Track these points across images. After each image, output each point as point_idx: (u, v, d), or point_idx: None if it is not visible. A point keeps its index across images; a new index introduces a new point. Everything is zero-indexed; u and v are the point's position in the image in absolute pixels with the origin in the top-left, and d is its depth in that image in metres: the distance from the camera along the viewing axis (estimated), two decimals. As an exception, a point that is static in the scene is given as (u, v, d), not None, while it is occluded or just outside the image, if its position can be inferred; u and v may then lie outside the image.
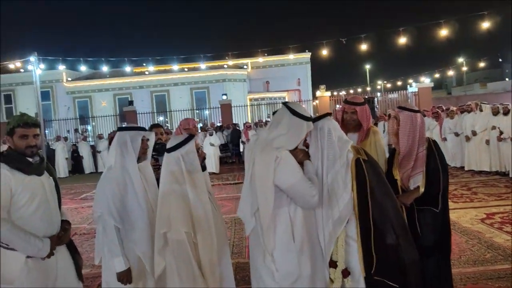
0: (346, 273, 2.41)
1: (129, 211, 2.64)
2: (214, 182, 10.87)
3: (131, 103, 22.21)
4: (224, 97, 22.17)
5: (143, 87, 28.34)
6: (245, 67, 29.51)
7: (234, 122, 19.33)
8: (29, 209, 2.42)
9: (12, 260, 2.38)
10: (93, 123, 24.98)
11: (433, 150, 3.00)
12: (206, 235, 2.40)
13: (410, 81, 26.28)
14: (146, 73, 28.75)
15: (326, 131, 2.45)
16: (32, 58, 18.14)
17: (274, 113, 2.55)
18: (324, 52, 18.14)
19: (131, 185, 2.65)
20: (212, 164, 12.94)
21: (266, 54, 25.69)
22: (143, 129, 2.85)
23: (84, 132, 21.12)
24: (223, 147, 15.25)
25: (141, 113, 21.18)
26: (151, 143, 2.89)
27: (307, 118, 2.39)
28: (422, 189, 2.93)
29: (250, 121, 19.71)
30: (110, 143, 11.26)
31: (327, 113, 2.60)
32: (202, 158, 2.68)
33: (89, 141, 20.65)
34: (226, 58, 28.17)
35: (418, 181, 2.97)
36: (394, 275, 2.37)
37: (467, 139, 10.07)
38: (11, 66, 19.68)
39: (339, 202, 2.39)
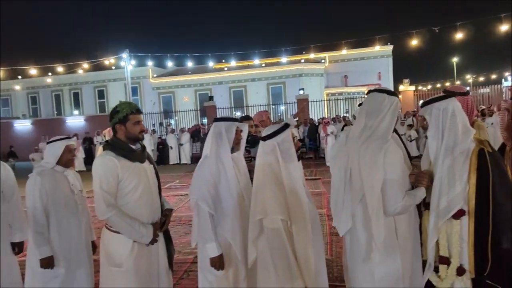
0: (461, 270, 2.25)
1: (221, 198, 2.70)
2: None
3: (211, 98, 23.01)
4: (301, 92, 22.03)
5: (222, 83, 29.20)
6: (322, 61, 29.06)
7: (310, 117, 19.14)
8: (134, 196, 2.58)
9: (120, 244, 2.56)
10: (176, 117, 26.30)
11: None
12: (301, 226, 2.35)
13: (507, 74, 23.96)
14: (225, 69, 29.57)
15: (450, 113, 2.29)
16: (125, 55, 19.53)
17: (359, 105, 2.48)
18: (411, 43, 17.13)
19: (224, 173, 2.70)
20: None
21: (345, 48, 25.05)
22: (237, 120, 2.90)
23: (168, 126, 22.29)
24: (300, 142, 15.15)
25: (220, 108, 21.85)
26: (244, 135, 2.93)
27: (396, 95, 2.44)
28: None
29: (326, 116, 19.38)
30: (191, 137, 11.83)
31: (452, 92, 2.45)
32: (297, 147, 2.62)
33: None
34: (304, 52, 27.97)
35: None
36: (505, 280, 2.20)
37: None
38: (106, 62, 21.34)
39: (450, 192, 2.23)
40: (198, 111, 25.18)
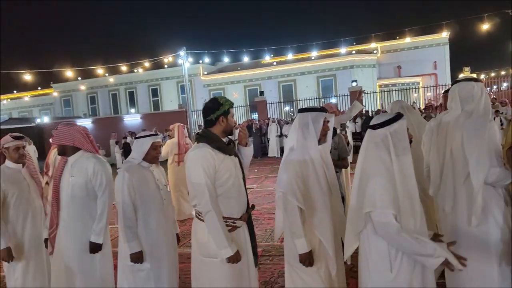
0: None
1: (310, 192, 2.63)
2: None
3: (261, 93, 23.06)
4: (354, 84, 21.50)
5: (271, 77, 29.20)
6: (374, 52, 28.23)
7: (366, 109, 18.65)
8: (227, 188, 2.61)
9: None
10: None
11: None
12: (409, 224, 2.10)
13: None
14: (274, 63, 29.53)
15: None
16: (182, 52, 20.00)
17: (446, 91, 2.51)
18: (481, 28, 15.98)
19: (313, 166, 2.64)
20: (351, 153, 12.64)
21: (398, 37, 24.19)
22: (325, 110, 2.81)
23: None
24: (355, 136, 14.78)
25: (270, 103, 21.86)
26: (331, 126, 2.84)
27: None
28: None
29: (380, 108, 18.81)
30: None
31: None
32: (410, 139, 2.42)
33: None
34: (355, 43, 27.31)
35: None
36: None
37: None
38: (163, 61, 21.95)
39: None
40: (248, 107, 25.35)
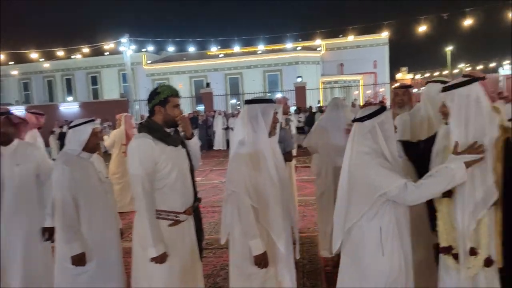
0: (489, 262, 2.23)
1: (262, 189, 2.52)
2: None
3: (208, 85, 22.79)
4: (299, 79, 21.92)
5: (218, 70, 28.95)
6: (319, 49, 28.91)
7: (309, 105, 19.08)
8: (168, 180, 2.49)
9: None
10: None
11: None
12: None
13: (506, 62, 24.07)
14: (221, 56, 29.29)
15: (474, 99, 2.17)
16: (124, 39, 19.17)
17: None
18: (408, 31, 17.07)
19: (264, 160, 2.56)
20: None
21: (341, 35, 24.92)
22: (274, 101, 2.72)
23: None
24: (299, 130, 15.10)
25: (216, 95, 21.69)
26: (279, 117, 2.75)
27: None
28: None
29: (322, 105, 19.35)
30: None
31: (476, 77, 2.29)
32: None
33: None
34: (300, 40, 27.77)
35: None
36: None
37: None
38: (105, 47, 20.94)
39: (484, 183, 2.18)
40: (194, 98, 24.97)
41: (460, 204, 2.25)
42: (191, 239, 2.66)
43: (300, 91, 20.34)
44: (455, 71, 31.10)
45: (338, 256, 2.51)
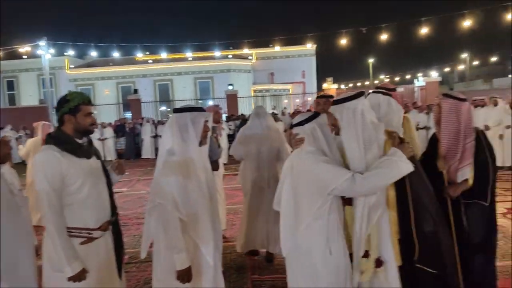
0: (379, 262, 2.34)
1: (192, 199, 2.43)
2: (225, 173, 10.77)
3: (135, 91, 22.05)
4: (230, 87, 22.00)
5: (146, 75, 28.16)
6: (250, 57, 29.32)
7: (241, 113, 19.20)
8: (80, 195, 2.31)
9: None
10: (96, 111, 24.84)
11: (482, 141, 2.88)
12: None
13: (419, 74, 26.34)
14: (150, 61, 28.53)
15: (359, 112, 2.36)
16: (42, 43, 17.88)
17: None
18: (340, 42, 17.88)
19: (194, 171, 2.46)
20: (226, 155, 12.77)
21: (271, 45, 25.50)
22: (204, 110, 2.63)
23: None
24: (230, 138, 15.08)
25: (144, 102, 21.05)
26: (209, 125, 2.69)
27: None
28: (471, 182, 2.83)
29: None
30: (115, 131, 11.15)
31: (360, 92, 2.49)
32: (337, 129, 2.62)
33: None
34: (231, 48, 27.96)
35: (466, 174, 2.84)
36: (434, 261, 2.36)
37: (480, 134, 10.01)
38: (21, 50, 19.34)
39: None
40: (121, 105, 24.01)
41: (359, 210, 2.40)
42: (108, 256, 2.48)
43: (232, 98, 20.40)
44: (376, 82, 33.43)
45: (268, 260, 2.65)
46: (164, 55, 23.69)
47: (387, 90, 3.30)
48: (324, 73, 28.56)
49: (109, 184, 2.57)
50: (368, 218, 2.35)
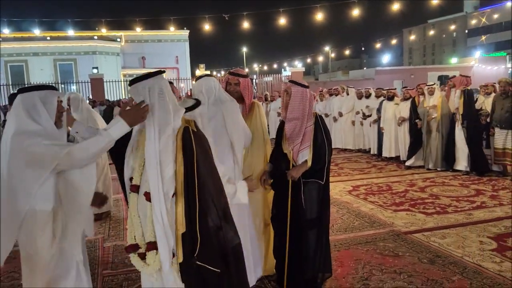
0: (150, 246, 2.11)
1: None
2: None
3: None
4: (95, 70, 20.42)
5: (-5, 55, 24.51)
6: (118, 40, 27.58)
7: (106, 98, 17.98)
8: None
9: None
10: None
11: (320, 125, 3.11)
12: None
13: (285, 64, 27.97)
14: (-1, 39, 24.86)
15: (157, 91, 2.15)
16: None
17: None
18: (205, 28, 17.90)
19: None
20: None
21: (142, 28, 24.29)
22: (55, 88, 2.35)
23: None
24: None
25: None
26: (64, 104, 2.44)
27: None
28: (309, 163, 3.03)
29: (125, 98, 18.57)
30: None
31: (159, 70, 2.34)
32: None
33: None
34: (97, 28, 25.91)
35: (306, 155, 3.06)
36: (216, 259, 2.16)
37: (335, 120, 11.03)
38: None
39: (165, 174, 2.11)
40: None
41: (154, 199, 2.12)
42: None
43: (97, 83, 18.93)
44: (247, 70, 34.57)
45: None
46: (9, 33, 20.76)
47: (235, 76, 3.36)
48: (198, 59, 28.48)
49: None
50: (160, 206, 2.09)
